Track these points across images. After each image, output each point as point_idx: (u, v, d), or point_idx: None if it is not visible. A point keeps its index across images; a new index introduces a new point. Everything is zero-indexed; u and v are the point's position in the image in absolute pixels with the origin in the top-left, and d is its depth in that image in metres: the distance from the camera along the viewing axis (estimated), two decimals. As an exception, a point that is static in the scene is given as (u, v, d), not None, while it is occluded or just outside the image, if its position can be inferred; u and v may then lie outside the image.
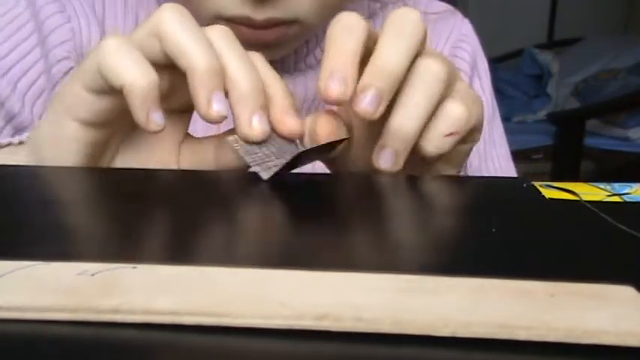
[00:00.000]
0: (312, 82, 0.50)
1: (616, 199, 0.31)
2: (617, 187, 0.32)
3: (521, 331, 0.17)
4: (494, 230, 0.26)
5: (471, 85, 0.55)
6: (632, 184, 0.32)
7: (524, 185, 0.33)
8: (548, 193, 0.31)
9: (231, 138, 0.33)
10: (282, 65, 0.49)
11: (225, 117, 0.32)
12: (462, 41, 0.56)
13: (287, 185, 0.33)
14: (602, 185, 0.32)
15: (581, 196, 0.30)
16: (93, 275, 0.20)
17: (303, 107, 0.50)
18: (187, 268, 0.21)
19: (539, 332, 0.17)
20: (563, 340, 0.17)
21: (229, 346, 0.17)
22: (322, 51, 0.49)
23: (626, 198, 0.31)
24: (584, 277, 0.20)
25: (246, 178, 0.34)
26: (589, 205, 0.29)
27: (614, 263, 0.23)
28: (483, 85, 0.57)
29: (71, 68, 0.48)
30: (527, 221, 0.28)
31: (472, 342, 0.17)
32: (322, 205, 0.31)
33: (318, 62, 0.50)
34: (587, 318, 0.17)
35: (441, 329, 0.17)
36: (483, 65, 0.58)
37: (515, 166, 0.61)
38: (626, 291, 0.19)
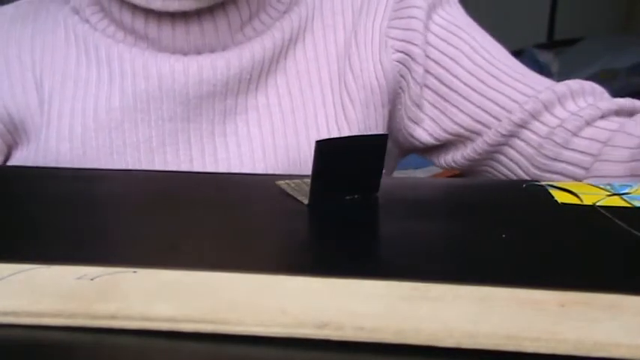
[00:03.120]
0: (259, 46, 0.47)
1: (616, 198, 0.30)
2: (617, 186, 0.32)
3: (528, 342, 0.16)
4: (504, 236, 0.25)
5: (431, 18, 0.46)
6: (632, 184, 0.32)
7: (524, 186, 0.32)
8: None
9: (282, 182, 0.33)
10: (218, 40, 0.46)
11: None
12: None
13: (277, 190, 0.32)
14: (602, 185, 0.32)
15: (581, 196, 0.30)
16: (92, 279, 0.20)
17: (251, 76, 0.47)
18: (187, 273, 0.20)
19: (548, 344, 0.16)
20: (572, 353, 0.16)
21: (228, 354, 0.17)
22: (261, 22, 0.47)
23: (627, 198, 0.30)
24: (596, 286, 0.19)
25: (245, 180, 0.33)
26: (603, 211, 0.28)
27: (627, 272, 0.23)
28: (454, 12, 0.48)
29: None
30: (537, 226, 0.28)
31: (477, 353, 0.16)
32: (322, 208, 0.30)
33: (258, 32, 0.47)
34: (599, 330, 0.17)
35: (445, 340, 0.17)
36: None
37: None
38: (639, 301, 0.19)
